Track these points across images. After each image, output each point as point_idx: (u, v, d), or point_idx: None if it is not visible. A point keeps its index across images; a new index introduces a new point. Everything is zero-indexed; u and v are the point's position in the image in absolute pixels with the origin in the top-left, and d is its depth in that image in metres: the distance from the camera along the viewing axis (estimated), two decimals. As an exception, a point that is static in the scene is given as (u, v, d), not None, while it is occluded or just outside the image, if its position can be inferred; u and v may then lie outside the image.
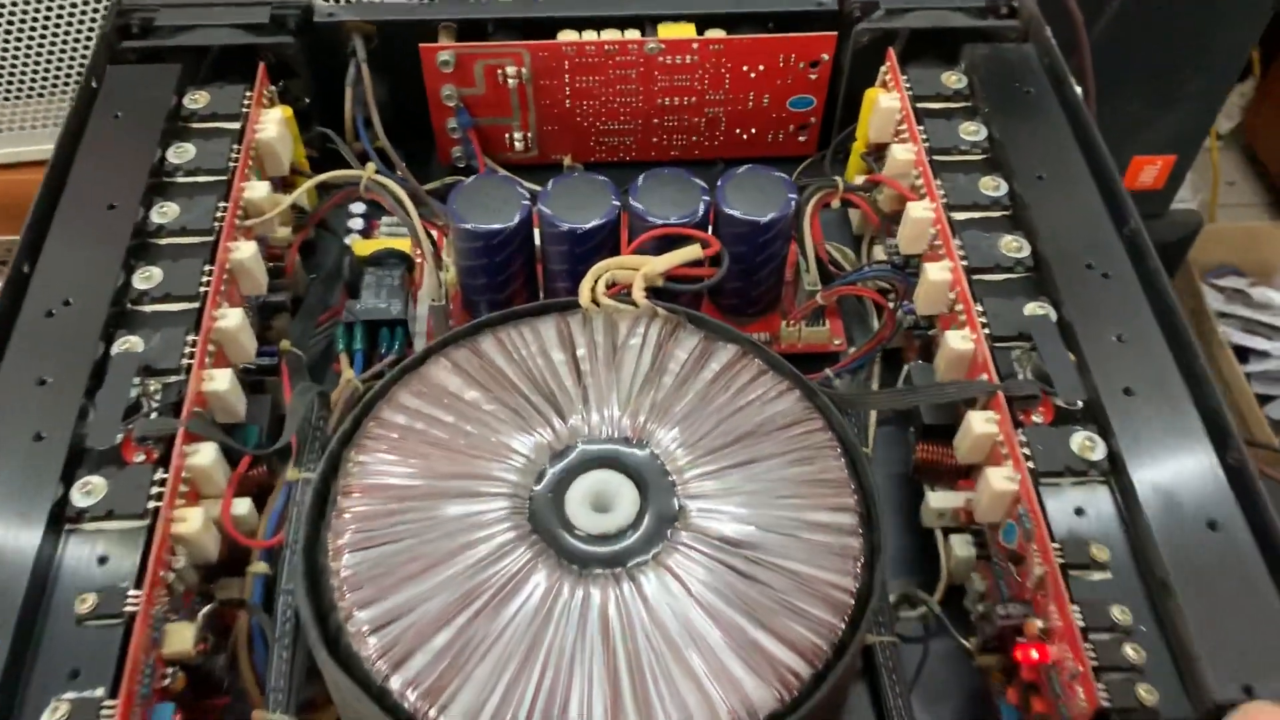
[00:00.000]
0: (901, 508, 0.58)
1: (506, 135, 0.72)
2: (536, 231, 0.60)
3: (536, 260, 0.62)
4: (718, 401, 0.51)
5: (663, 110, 0.71)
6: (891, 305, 0.61)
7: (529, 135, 0.72)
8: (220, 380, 0.51)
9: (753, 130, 0.73)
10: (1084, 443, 0.49)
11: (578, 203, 0.59)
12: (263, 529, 0.51)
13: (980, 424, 0.51)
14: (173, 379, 0.51)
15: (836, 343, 0.64)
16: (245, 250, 0.56)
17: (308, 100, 0.69)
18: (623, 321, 0.54)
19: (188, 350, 0.51)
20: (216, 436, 0.50)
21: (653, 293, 0.56)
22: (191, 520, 0.47)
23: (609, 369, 0.52)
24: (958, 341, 0.54)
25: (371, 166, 0.61)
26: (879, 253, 0.66)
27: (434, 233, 0.66)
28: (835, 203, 0.63)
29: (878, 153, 0.67)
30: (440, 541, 0.46)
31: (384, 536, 0.46)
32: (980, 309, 0.54)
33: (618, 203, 0.59)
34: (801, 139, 0.74)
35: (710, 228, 0.60)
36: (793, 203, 0.59)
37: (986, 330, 0.53)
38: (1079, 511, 0.48)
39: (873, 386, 0.63)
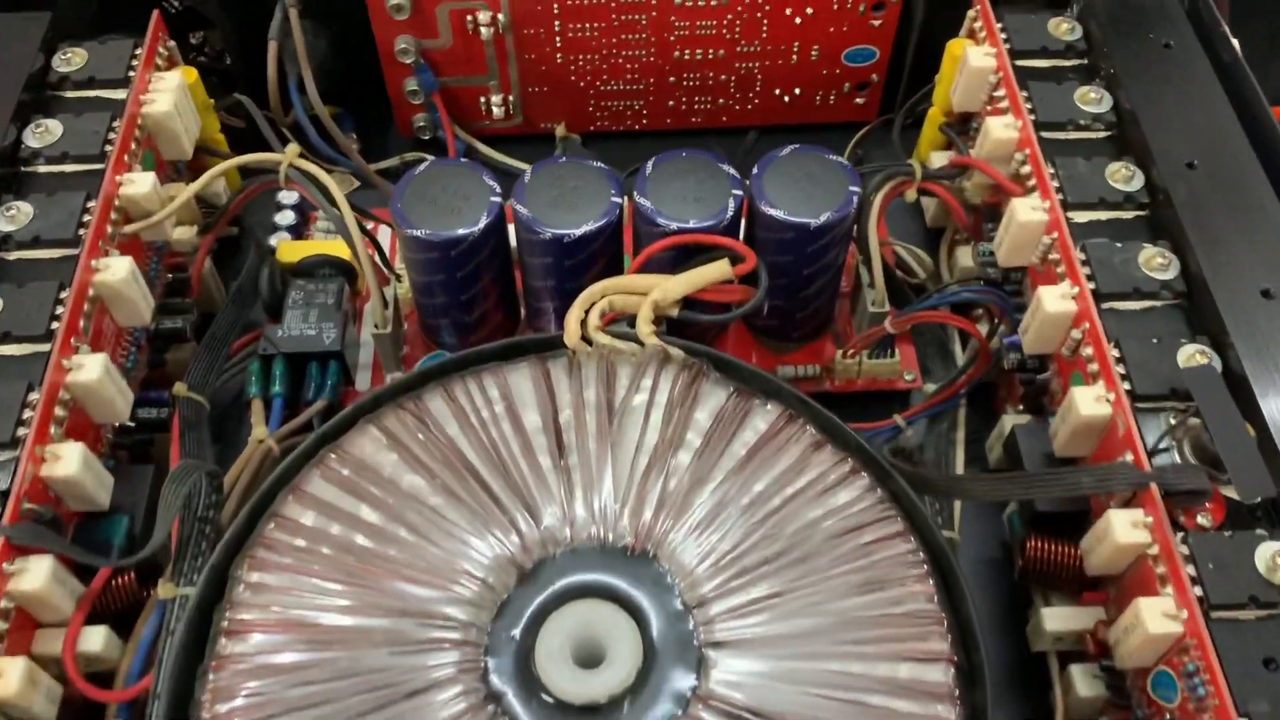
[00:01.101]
0: (996, 609, 0.44)
1: (482, 99, 0.56)
2: (513, 231, 0.45)
3: (515, 266, 0.47)
4: (755, 490, 0.37)
5: (681, 65, 0.56)
6: (985, 335, 0.45)
7: (510, 99, 0.56)
8: (68, 460, 0.37)
9: (796, 91, 0.57)
10: (1274, 560, 0.34)
11: (565, 198, 0.44)
12: (125, 669, 0.37)
13: (1124, 529, 0.36)
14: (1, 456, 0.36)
15: (908, 378, 0.49)
16: (117, 270, 0.42)
17: (228, 59, 0.54)
18: (623, 368, 0.39)
19: (26, 415, 0.37)
20: (55, 546, 0.36)
21: (666, 325, 0.41)
22: (8, 676, 0.33)
23: (602, 442, 0.37)
24: (1087, 404, 0.39)
25: (293, 149, 0.46)
26: (965, 257, 0.51)
27: (386, 231, 0.51)
28: (910, 194, 0.48)
29: (962, 124, 0.52)
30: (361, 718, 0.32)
31: (280, 704, 0.33)
32: (1116, 353, 0.39)
33: (618, 199, 0.44)
34: (859, 101, 0.58)
35: (742, 231, 0.45)
36: (854, 199, 0.44)
37: (1127, 386, 0.38)
38: (1270, 664, 0.33)
39: (957, 437, 0.48)
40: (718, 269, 0.42)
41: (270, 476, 0.37)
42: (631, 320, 0.41)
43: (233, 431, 0.48)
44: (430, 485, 0.36)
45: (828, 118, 0.59)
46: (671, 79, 0.56)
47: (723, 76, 0.56)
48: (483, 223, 0.44)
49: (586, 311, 0.41)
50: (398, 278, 0.49)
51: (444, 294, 0.46)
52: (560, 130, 0.58)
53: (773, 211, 0.44)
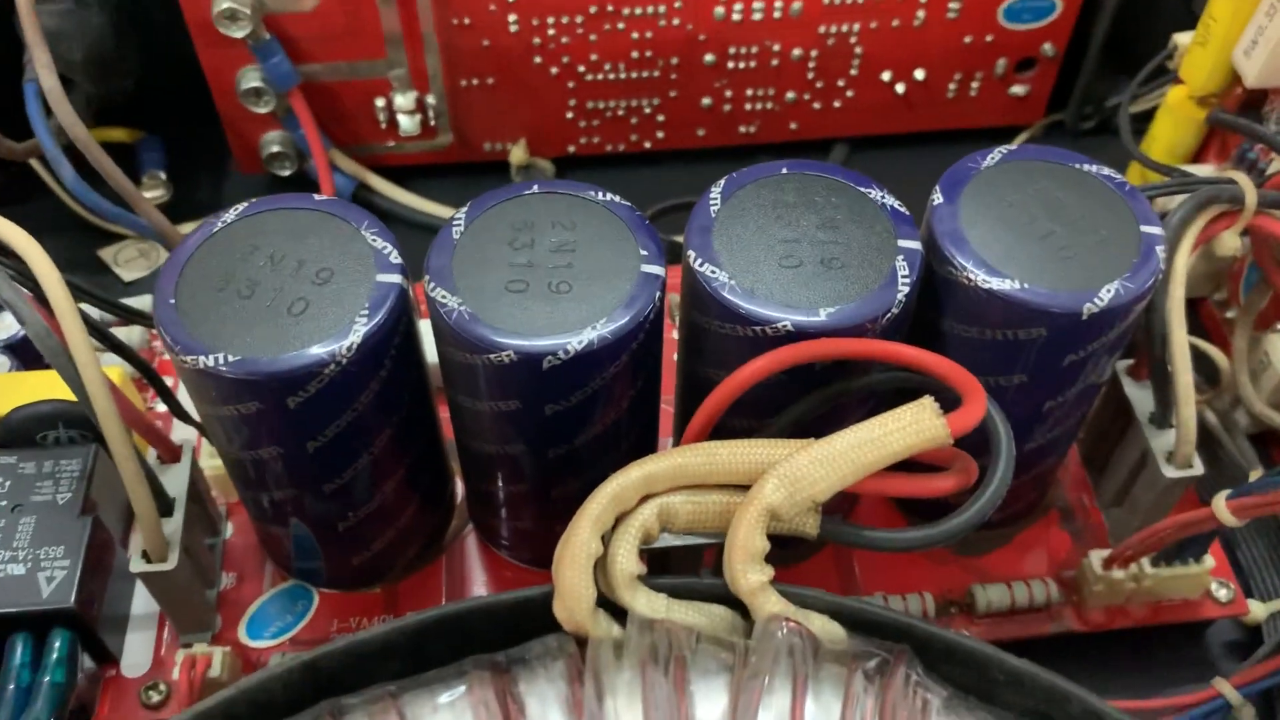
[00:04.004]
0: None
1: (379, 103, 0.32)
2: (431, 347, 0.21)
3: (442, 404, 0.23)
4: None
5: (725, 36, 0.32)
6: None
7: (428, 102, 0.32)
8: None
9: (917, 75, 0.34)
10: None
11: (539, 271, 0.20)
12: None
13: None
14: None
15: (1222, 596, 0.25)
16: None
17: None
18: (709, 682, 0.15)
19: None
20: None
21: (779, 548, 0.18)
22: None
23: None
24: None
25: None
26: (1296, 355, 0.27)
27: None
28: (1230, 241, 0.24)
29: (1249, 108, 0.29)
30: None
31: None
32: None
33: (658, 267, 0.20)
34: (1018, 91, 0.35)
35: (903, 323, 0.22)
36: (1158, 254, 0.20)
37: None
38: None
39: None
40: (916, 425, 0.18)
41: None
42: (717, 560, 0.17)
43: None
44: None
45: (964, 121, 0.35)
46: (709, 57, 0.32)
47: (794, 53, 0.33)
48: (360, 333, 0.19)
49: (610, 533, 0.17)
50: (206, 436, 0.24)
51: (287, 478, 0.22)
52: (517, 154, 0.34)
53: (1001, 286, 0.20)
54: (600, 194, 0.21)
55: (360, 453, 0.21)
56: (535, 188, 0.22)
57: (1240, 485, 0.22)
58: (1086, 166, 0.22)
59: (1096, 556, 0.24)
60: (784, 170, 0.22)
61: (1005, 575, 0.25)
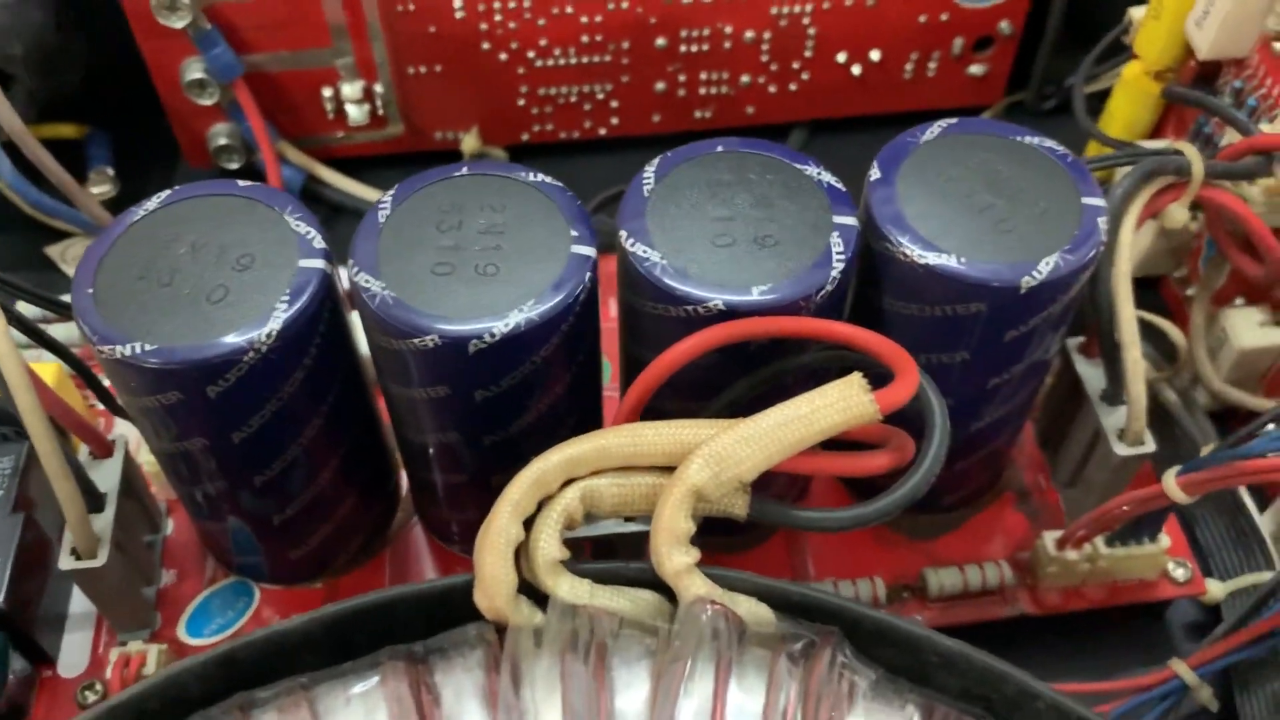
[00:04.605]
0: None
1: (327, 93, 0.32)
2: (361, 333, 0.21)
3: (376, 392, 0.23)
4: None
5: (676, 19, 0.32)
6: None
7: (376, 91, 0.32)
8: None
9: (872, 56, 0.33)
10: None
11: (466, 254, 0.19)
12: None
13: None
14: None
15: (1179, 575, 0.25)
16: None
17: None
18: (632, 668, 0.15)
19: None
20: None
21: (711, 530, 0.17)
22: None
23: None
24: None
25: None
26: (1246, 327, 0.27)
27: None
28: (1178, 212, 0.23)
29: (1204, 81, 0.28)
30: None
31: None
32: None
33: (588, 249, 0.20)
34: (975, 71, 0.34)
35: (847, 304, 0.21)
36: (1099, 225, 0.20)
37: None
38: None
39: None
40: (844, 402, 0.17)
41: None
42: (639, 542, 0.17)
43: None
44: None
45: (923, 102, 0.35)
46: (660, 41, 0.32)
47: (747, 35, 0.32)
48: (280, 320, 0.19)
49: (531, 519, 0.17)
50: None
51: (216, 471, 0.21)
52: (469, 142, 0.33)
53: (938, 261, 0.20)
54: (531, 175, 0.21)
55: (289, 444, 0.21)
56: (464, 169, 0.21)
57: (1190, 460, 0.22)
58: (1028, 139, 0.22)
59: (1050, 537, 0.24)
60: (719, 148, 0.22)
61: (960, 558, 0.25)
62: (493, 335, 0.19)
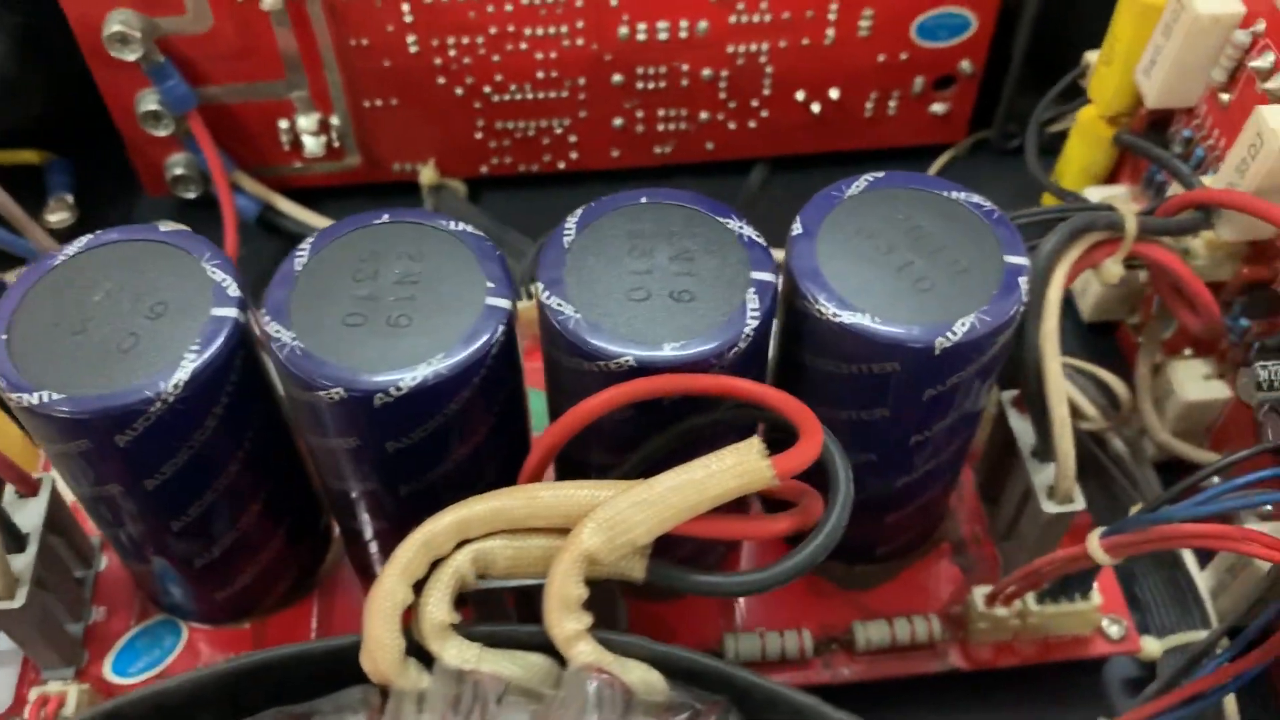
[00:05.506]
0: None
1: (283, 124, 0.32)
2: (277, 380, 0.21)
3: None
4: None
5: (631, 56, 0.32)
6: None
7: (332, 123, 0.32)
8: None
9: (832, 94, 0.33)
10: None
11: (380, 304, 0.19)
12: None
13: None
14: None
15: (1113, 632, 0.24)
16: None
17: None
18: None
19: None
20: None
21: (625, 592, 0.17)
22: None
23: None
24: None
25: None
26: (1191, 380, 0.26)
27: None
28: (1112, 267, 0.23)
29: (1156, 128, 0.28)
30: None
31: None
32: None
33: (504, 300, 0.20)
34: (937, 110, 0.34)
35: (770, 359, 0.21)
36: (1021, 285, 0.20)
37: None
38: None
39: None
40: (740, 467, 0.17)
41: None
42: (532, 600, 0.17)
43: None
44: None
45: (885, 140, 0.35)
46: (617, 77, 0.32)
47: (704, 73, 0.32)
48: (189, 370, 0.19)
49: (421, 583, 0.16)
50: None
51: (135, 515, 0.21)
52: (427, 174, 0.33)
53: (853, 320, 0.19)
54: (452, 223, 0.21)
55: (205, 489, 0.21)
56: (385, 217, 0.21)
57: (1115, 522, 0.21)
58: (955, 194, 0.21)
59: (980, 592, 0.24)
60: (643, 200, 0.21)
61: (892, 610, 0.24)
62: (398, 389, 0.19)
